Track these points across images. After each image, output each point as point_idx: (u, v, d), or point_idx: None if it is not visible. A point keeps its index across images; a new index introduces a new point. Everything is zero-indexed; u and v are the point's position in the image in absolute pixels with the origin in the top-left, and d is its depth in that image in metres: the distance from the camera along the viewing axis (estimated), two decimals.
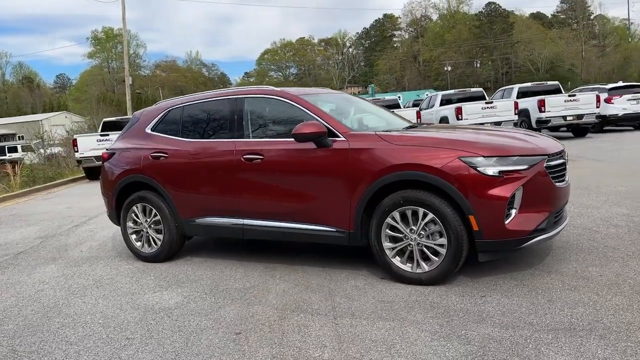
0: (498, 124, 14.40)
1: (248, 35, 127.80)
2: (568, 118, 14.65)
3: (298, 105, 4.39)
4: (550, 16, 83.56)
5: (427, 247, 3.76)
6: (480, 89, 17.89)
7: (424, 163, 3.66)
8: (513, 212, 3.57)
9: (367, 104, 5.41)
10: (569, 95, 15.00)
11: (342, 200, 4.03)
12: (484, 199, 3.51)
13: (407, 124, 4.96)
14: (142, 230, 5.15)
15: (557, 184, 3.78)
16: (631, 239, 4.49)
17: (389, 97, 22.87)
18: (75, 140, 14.50)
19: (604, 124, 15.84)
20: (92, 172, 15.25)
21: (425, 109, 17.97)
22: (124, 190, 5.21)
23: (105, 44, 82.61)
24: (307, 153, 4.15)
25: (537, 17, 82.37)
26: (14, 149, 29.60)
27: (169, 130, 5.06)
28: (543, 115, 14.76)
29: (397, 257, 3.90)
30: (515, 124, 14.92)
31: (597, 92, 15.11)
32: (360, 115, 4.98)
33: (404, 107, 19.71)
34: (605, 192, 6.65)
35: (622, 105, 15.42)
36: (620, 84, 16.74)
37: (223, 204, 4.63)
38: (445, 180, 3.59)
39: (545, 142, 3.96)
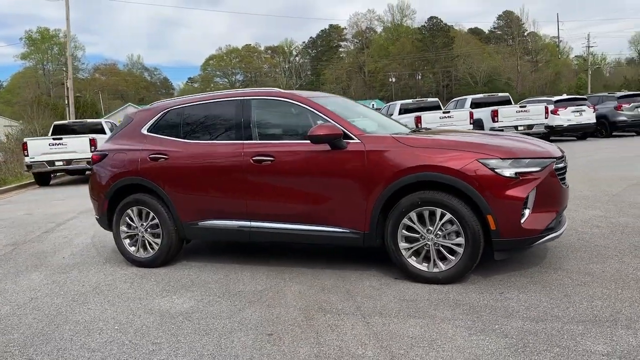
0: None
1: (192, 40, 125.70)
2: (519, 128, 15.44)
3: (309, 108, 4.42)
4: (487, 32, 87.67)
5: (443, 246, 3.88)
6: (436, 99, 18.52)
7: (443, 165, 3.78)
8: (527, 211, 3.75)
9: (365, 109, 5.50)
10: (520, 106, 15.82)
11: (357, 201, 4.08)
12: (501, 199, 3.68)
13: (408, 129, 5.09)
14: (137, 235, 4.98)
15: (562, 185, 4.02)
16: (617, 237, 4.82)
17: None
18: (25, 144, 13.73)
19: (551, 134, 16.79)
20: (43, 178, 14.50)
21: None
22: (118, 193, 5.02)
23: (41, 45, 78.68)
24: (321, 155, 4.18)
25: (475, 32, 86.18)
26: None
27: (168, 131, 4.94)
28: (496, 124, 15.47)
29: (412, 257, 3.99)
30: None
31: (545, 104, 16.03)
32: (364, 119, 5.06)
33: None
34: (573, 196, 7.06)
35: (567, 117, 16.43)
36: (565, 96, 17.85)
37: (229, 206, 4.57)
38: (464, 181, 3.72)
39: (550, 147, 4.19)
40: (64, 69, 51.59)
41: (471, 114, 15.67)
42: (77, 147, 13.62)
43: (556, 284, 3.73)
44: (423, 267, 3.95)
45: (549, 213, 3.86)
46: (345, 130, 4.17)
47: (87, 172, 15.38)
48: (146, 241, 4.95)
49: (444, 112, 15.64)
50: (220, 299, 3.98)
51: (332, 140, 4.11)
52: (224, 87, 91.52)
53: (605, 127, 17.26)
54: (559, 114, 16.53)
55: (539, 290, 3.66)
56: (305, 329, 3.31)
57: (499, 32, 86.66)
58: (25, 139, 14.50)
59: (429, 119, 15.24)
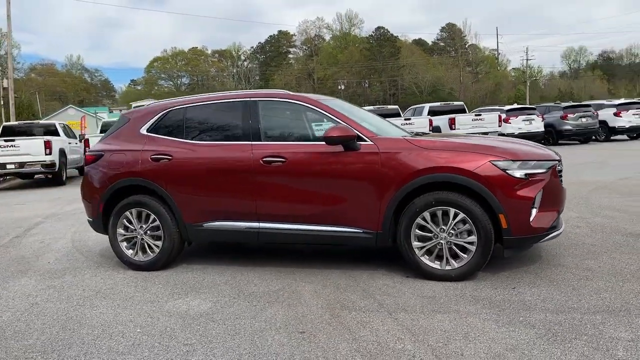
0: None
1: (136, 41, 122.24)
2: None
3: (320, 110, 4.49)
4: (430, 43, 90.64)
5: (456, 245, 4.04)
6: (396, 107, 19.01)
7: (458, 166, 3.94)
8: (534, 211, 3.98)
9: (363, 112, 5.61)
10: (476, 115, 16.51)
11: (370, 201, 4.18)
12: (513, 199, 3.88)
13: (408, 132, 5.24)
14: (136, 237, 4.85)
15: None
16: (599, 236, 5.17)
17: None
18: None
19: None
20: None
21: None
22: (116, 195, 4.87)
23: None
24: (334, 156, 4.25)
25: (419, 43, 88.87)
26: None
27: (170, 131, 4.85)
28: (453, 132, 16.05)
29: (425, 256, 4.13)
30: None
31: (499, 113, 16.81)
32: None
33: None
34: None
35: (518, 125, 17.30)
36: (516, 106, 18.79)
37: (237, 207, 4.55)
38: (478, 182, 3.90)
39: (549, 150, 4.45)
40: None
41: (430, 121, 16.19)
42: (31, 150, 12.97)
43: (561, 279, 3.97)
44: (436, 265, 4.10)
45: (553, 212, 4.10)
46: (358, 132, 4.27)
47: (37, 176, 14.68)
48: (145, 244, 4.83)
49: (405, 119, 16.08)
50: (236, 300, 3.96)
51: (347, 142, 4.19)
52: (168, 91, 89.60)
53: (552, 135, 18.31)
54: (510, 122, 17.37)
55: (547, 285, 3.88)
56: (336, 327, 3.35)
57: (442, 44, 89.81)
58: None
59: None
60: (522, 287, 3.86)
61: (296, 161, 4.36)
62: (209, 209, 4.62)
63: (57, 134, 14.73)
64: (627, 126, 18.39)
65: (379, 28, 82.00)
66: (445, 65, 76.23)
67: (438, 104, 18.96)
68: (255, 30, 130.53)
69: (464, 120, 16.06)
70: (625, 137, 19.39)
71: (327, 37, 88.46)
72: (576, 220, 5.94)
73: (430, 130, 16.16)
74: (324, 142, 4.31)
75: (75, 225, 7.52)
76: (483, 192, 3.90)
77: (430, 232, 4.07)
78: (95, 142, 13.14)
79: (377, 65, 77.59)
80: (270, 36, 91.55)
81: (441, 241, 4.05)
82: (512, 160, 3.95)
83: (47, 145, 13.03)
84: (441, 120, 16.51)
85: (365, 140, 4.25)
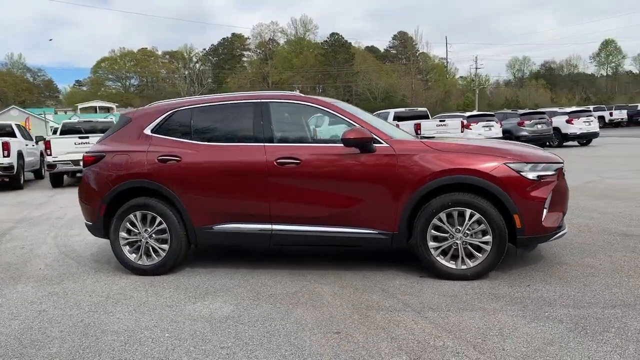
0: None
1: (82, 40, 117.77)
2: None
3: (334, 112, 4.53)
4: (383, 50, 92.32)
5: (471, 244, 4.16)
6: None
7: (475, 168, 4.07)
8: (544, 211, 4.16)
9: (369, 115, 5.65)
10: (440, 121, 16.96)
11: (386, 202, 4.24)
12: (526, 199, 4.05)
13: (413, 135, 5.35)
14: (140, 241, 4.70)
15: None
16: (588, 236, 5.45)
17: None
18: None
19: None
20: None
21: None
22: (119, 197, 4.71)
23: None
24: (350, 158, 4.29)
25: (372, 50, 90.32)
26: None
27: (177, 132, 4.75)
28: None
29: (440, 256, 4.23)
30: None
31: (461, 119, 17.35)
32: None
33: None
34: None
35: (478, 131, 17.90)
36: (475, 112, 19.43)
37: (250, 209, 4.50)
38: (494, 183, 4.04)
39: (552, 154, 4.66)
40: None
41: (397, 127, 16.44)
42: None
43: (569, 276, 4.16)
44: (451, 264, 4.20)
45: (559, 212, 4.30)
46: (374, 135, 4.33)
47: None
48: (150, 247, 4.70)
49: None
50: (257, 303, 3.92)
51: (364, 144, 4.24)
52: (116, 92, 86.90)
53: None
54: (471, 128, 17.95)
55: (558, 281, 4.06)
56: (370, 327, 3.38)
57: (393, 52, 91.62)
58: None
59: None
60: (535, 284, 4.02)
61: (311, 163, 4.37)
62: (219, 211, 4.55)
63: (15, 135, 14.02)
64: (578, 133, 19.42)
65: (333, 34, 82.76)
66: (398, 73, 77.74)
67: (403, 109, 19.35)
68: (208, 32, 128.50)
69: (429, 126, 16.47)
70: (576, 143, 20.44)
71: (282, 42, 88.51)
72: None
73: None
74: (337, 144, 4.36)
75: (52, 230, 7.20)
76: (499, 193, 4.04)
77: (446, 232, 4.18)
78: (57, 143, 12.76)
79: (331, 71, 78.22)
80: (224, 38, 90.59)
81: (457, 241, 4.16)
82: (525, 163, 4.12)
83: (5, 147, 12.37)
84: (407, 126, 16.79)
85: (381, 143, 4.31)
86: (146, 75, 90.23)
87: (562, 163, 4.38)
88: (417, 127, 16.49)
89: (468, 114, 19.16)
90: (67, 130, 14.28)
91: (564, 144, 19.98)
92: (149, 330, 3.45)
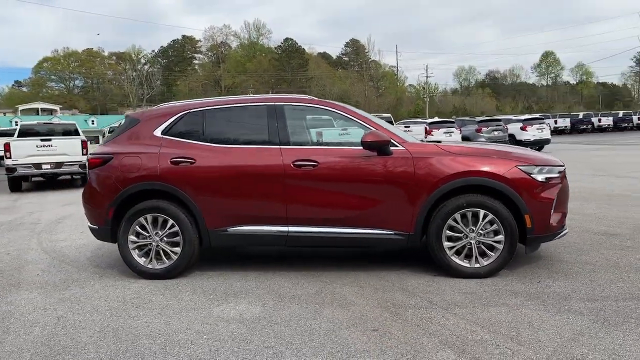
0: None
1: (22, 39, 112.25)
2: None
3: (349, 116, 4.63)
4: (335, 57, 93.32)
5: (483, 244, 4.35)
6: (329, 117, 19.33)
7: (489, 170, 4.27)
8: (551, 211, 4.41)
9: (375, 119, 5.78)
10: (405, 127, 17.41)
11: (403, 204, 4.37)
12: (537, 200, 4.28)
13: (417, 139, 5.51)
14: (150, 244, 4.61)
15: None
16: (577, 235, 5.77)
17: None
18: None
19: None
20: None
21: None
22: (128, 200, 4.60)
23: None
24: (367, 160, 4.40)
25: (325, 56, 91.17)
26: None
27: (189, 134, 4.70)
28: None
29: (454, 255, 4.40)
30: None
31: (425, 125, 17.87)
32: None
33: None
34: None
35: (439, 137, 18.48)
36: (437, 119, 20.06)
37: (266, 211, 4.51)
38: (507, 185, 4.25)
39: (553, 157, 4.94)
40: None
41: None
42: None
43: (574, 273, 4.42)
44: (465, 263, 4.37)
45: (562, 213, 4.57)
46: (390, 138, 4.45)
47: None
48: (161, 251, 4.62)
49: (342, 129, 16.45)
50: (283, 304, 3.94)
51: (382, 147, 4.36)
52: (59, 93, 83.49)
53: None
54: (433, 134, 18.52)
55: (564, 278, 4.30)
56: (404, 324, 3.48)
57: (346, 58, 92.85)
58: None
59: (331, 135, 15.90)
60: (545, 281, 4.24)
61: (328, 165, 4.44)
62: (235, 213, 4.53)
63: None
64: (532, 139, 20.43)
65: (287, 39, 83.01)
66: (351, 79, 78.82)
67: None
68: (157, 34, 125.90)
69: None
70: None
71: (234, 45, 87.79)
72: None
73: None
74: (353, 147, 4.46)
75: (33, 236, 6.90)
76: (512, 195, 4.25)
77: (460, 232, 4.35)
78: (17, 146, 12.17)
79: (286, 76, 78.31)
80: (174, 40, 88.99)
81: (471, 241, 4.34)
82: (534, 165, 4.36)
83: None
84: None
85: (397, 146, 4.44)
86: (91, 77, 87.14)
87: (563, 166, 4.66)
88: None
89: (430, 120, 19.75)
90: (24, 133, 13.64)
91: None
92: (183, 333, 3.41)
